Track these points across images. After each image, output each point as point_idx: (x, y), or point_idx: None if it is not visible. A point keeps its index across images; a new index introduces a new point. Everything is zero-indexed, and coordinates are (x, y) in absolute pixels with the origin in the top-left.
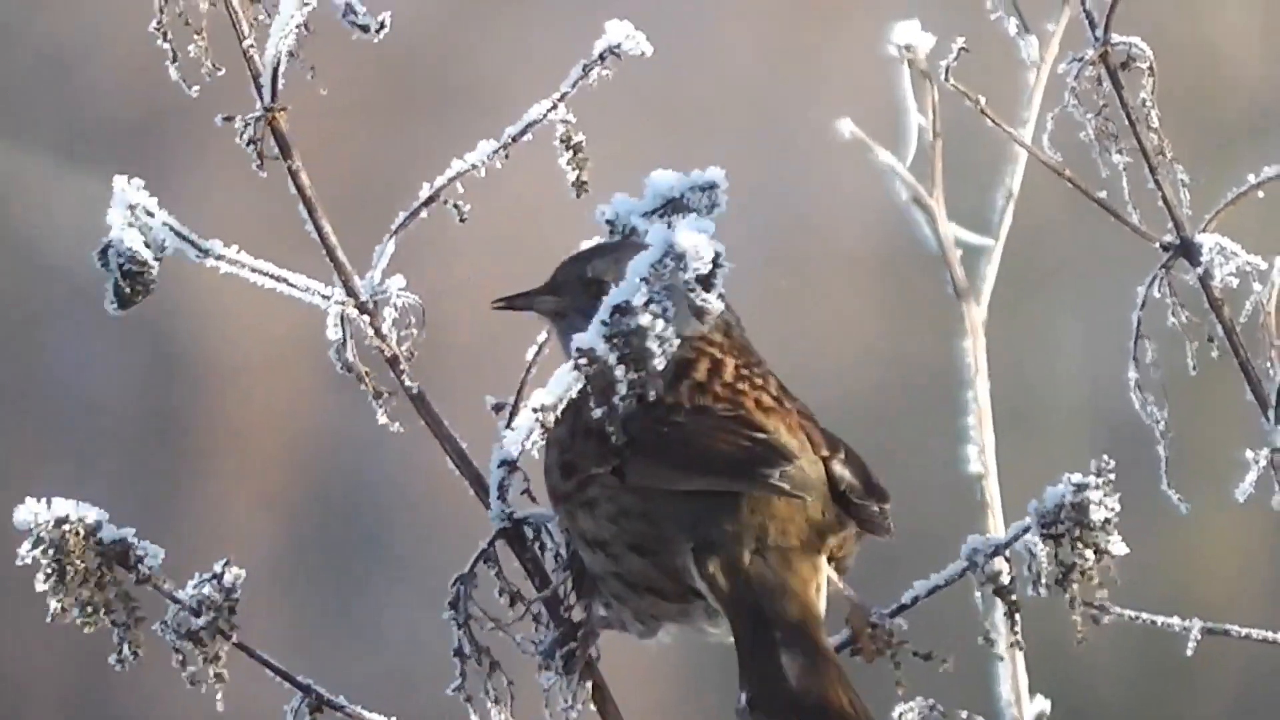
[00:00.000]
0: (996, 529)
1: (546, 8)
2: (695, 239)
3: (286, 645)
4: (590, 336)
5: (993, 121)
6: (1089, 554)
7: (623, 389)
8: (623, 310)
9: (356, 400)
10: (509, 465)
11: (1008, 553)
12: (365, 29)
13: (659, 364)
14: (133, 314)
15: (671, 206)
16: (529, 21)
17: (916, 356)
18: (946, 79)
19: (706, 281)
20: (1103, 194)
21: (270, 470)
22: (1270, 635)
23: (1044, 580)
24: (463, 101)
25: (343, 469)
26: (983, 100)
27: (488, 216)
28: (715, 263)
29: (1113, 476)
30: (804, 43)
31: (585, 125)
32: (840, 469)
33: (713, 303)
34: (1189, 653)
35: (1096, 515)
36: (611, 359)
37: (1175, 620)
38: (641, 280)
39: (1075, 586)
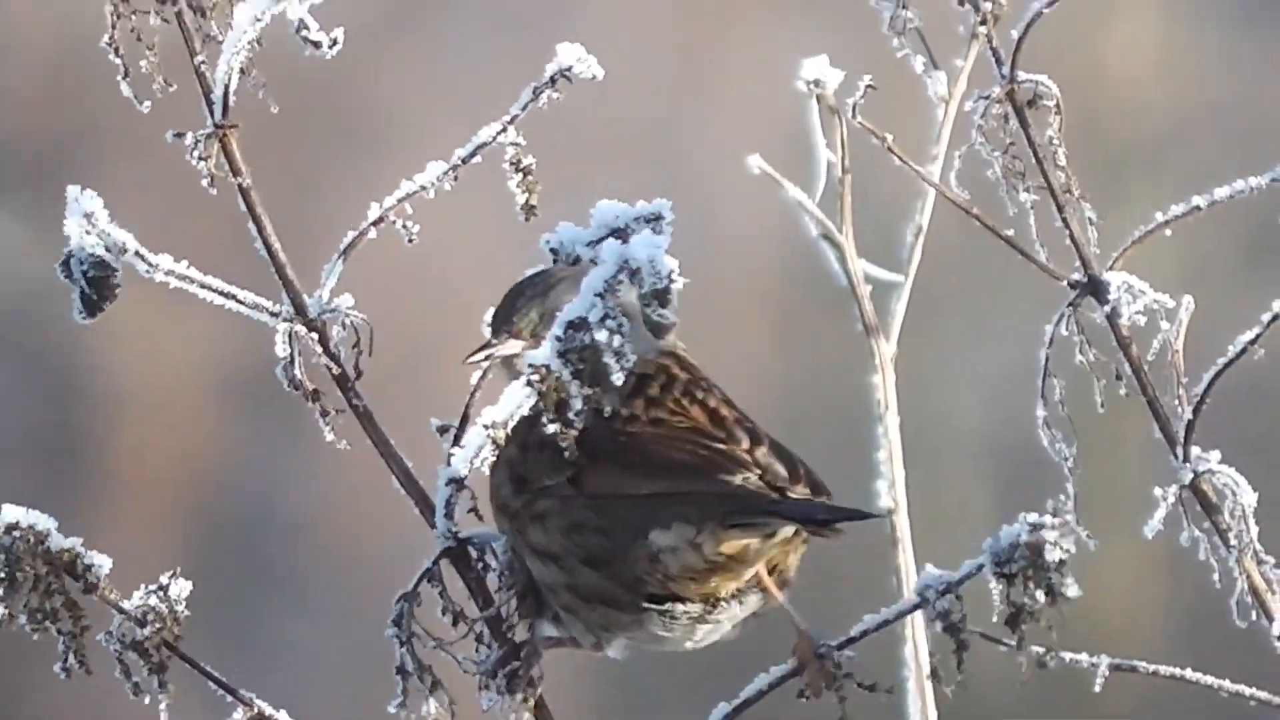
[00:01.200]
0: (906, 564)
1: (464, 33)
2: (651, 253)
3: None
4: (545, 353)
5: (900, 159)
6: (1040, 595)
7: (578, 404)
8: (577, 326)
9: (258, 427)
10: (457, 483)
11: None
12: (318, 45)
13: (616, 379)
14: (31, 339)
15: (616, 236)
16: (460, 45)
17: (825, 391)
18: (854, 115)
19: (663, 296)
20: (1010, 231)
21: (170, 496)
22: (1176, 671)
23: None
24: (394, 124)
25: (243, 495)
26: (890, 138)
27: (432, 237)
28: (669, 278)
29: (1069, 517)
30: (710, 77)
31: (496, 157)
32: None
33: (669, 317)
34: (1097, 688)
35: (1051, 556)
36: (566, 375)
37: (1084, 656)
38: (596, 295)
39: (1024, 628)
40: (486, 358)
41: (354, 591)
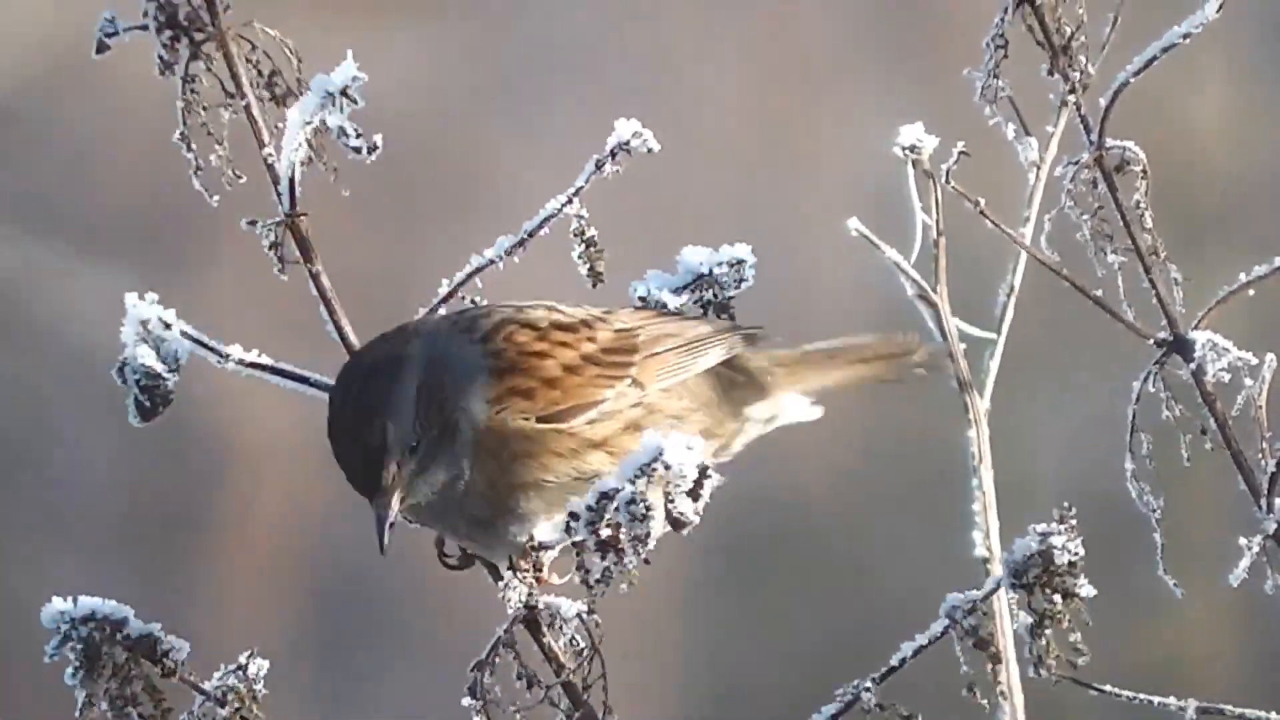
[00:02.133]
0: (1001, 610)
1: (554, 107)
2: (683, 456)
3: None
4: (582, 516)
5: (992, 223)
6: (1057, 598)
7: (596, 574)
8: (609, 497)
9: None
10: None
11: (989, 605)
12: (359, 151)
13: (630, 561)
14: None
15: (701, 282)
16: (536, 120)
17: (922, 446)
18: (948, 181)
19: (693, 495)
20: (1099, 292)
21: (280, 558)
22: (1263, 714)
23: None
24: (475, 198)
25: (351, 558)
26: (983, 202)
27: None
28: (703, 475)
29: (1074, 523)
30: (798, 144)
31: (591, 218)
32: None
33: (690, 516)
34: None
35: (1061, 559)
36: (590, 544)
37: (1172, 700)
38: (629, 479)
39: (1049, 633)
40: (387, 534)
41: (452, 640)
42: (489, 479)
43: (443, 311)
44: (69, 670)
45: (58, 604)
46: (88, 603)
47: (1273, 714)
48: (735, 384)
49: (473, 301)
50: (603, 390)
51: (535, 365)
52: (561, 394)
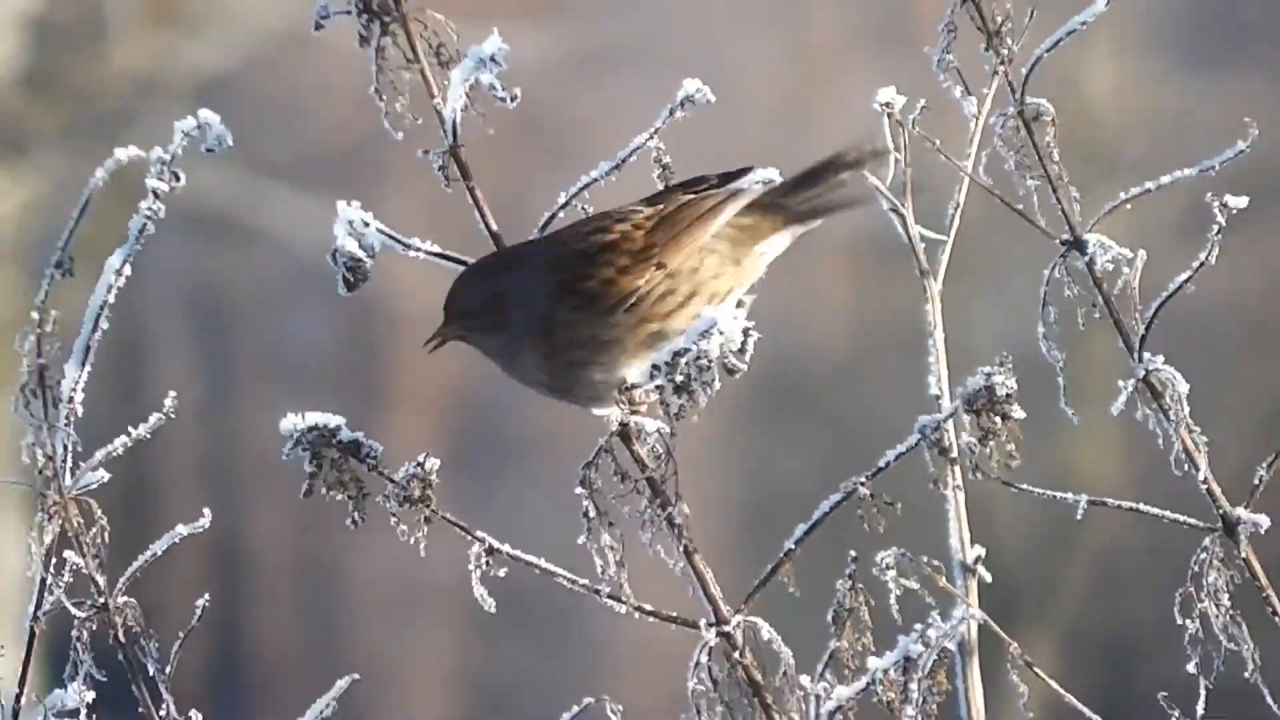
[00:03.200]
0: (956, 430)
1: (632, 77)
2: (732, 325)
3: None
4: (662, 368)
5: (945, 157)
6: (998, 420)
7: (675, 409)
8: (679, 354)
9: None
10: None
11: (948, 425)
12: (503, 100)
13: (700, 399)
14: (331, 286)
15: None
16: (620, 86)
17: (893, 316)
18: (914, 127)
19: (740, 352)
20: (1021, 206)
21: (434, 397)
22: (1138, 505)
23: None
24: (579, 140)
25: (487, 401)
26: (939, 142)
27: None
28: (746, 336)
29: (1010, 366)
30: (818, 103)
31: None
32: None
33: (739, 365)
34: (1079, 516)
35: (1001, 391)
36: (669, 387)
37: (1069, 495)
38: (692, 341)
39: (991, 444)
40: (440, 342)
41: (562, 455)
42: (543, 355)
43: (554, 224)
44: (305, 465)
45: (290, 419)
46: (312, 415)
47: (1140, 504)
48: (743, 229)
49: (582, 209)
50: (635, 281)
51: (586, 286)
52: (606, 294)
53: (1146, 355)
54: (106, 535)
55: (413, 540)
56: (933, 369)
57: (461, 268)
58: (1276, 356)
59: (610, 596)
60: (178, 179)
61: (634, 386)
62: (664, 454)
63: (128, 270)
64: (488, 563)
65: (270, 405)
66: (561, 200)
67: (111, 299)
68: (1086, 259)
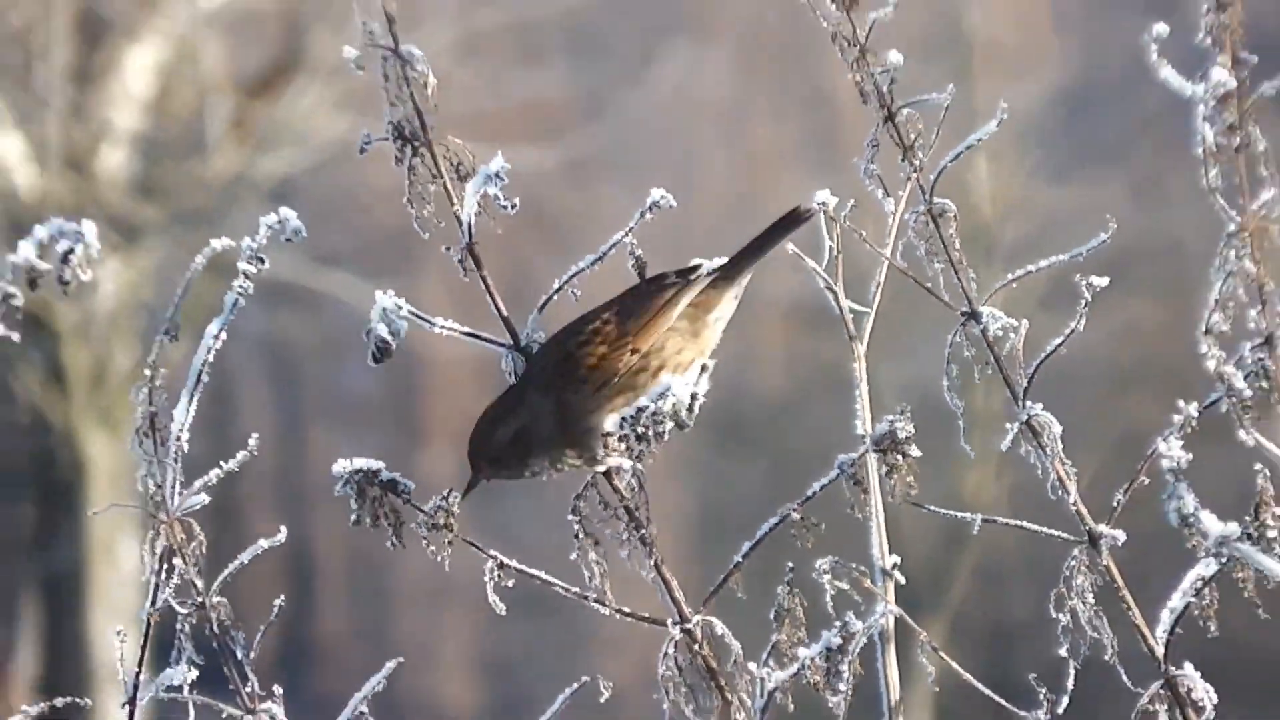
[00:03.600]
0: (870, 466)
1: (615, 184)
2: (682, 389)
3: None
4: (628, 420)
5: (869, 245)
6: (899, 457)
7: (635, 451)
8: (641, 410)
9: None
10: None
11: (862, 460)
12: (506, 208)
13: (653, 445)
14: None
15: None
16: (603, 189)
17: (824, 370)
18: (844, 222)
19: (689, 410)
20: (929, 285)
21: (461, 433)
22: (1022, 523)
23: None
24: (572, 236)
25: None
26: (864, 232)
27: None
28: (694, 399)
29: (909, 414)
30: (762, 204)
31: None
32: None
33: (686, 422)
34: (975, 531)
35: (901, 434)
36: (632, 435)
37: (967, 515)
38: (653, 401)
39: (896, 477)
40: (470, 489)
41: (563, 495)
42: (569, 443)
43: (550, 305)
44: (350, 500)
45: (341, 462)
46: (358, 461)
47: (1024, 522)
48: (697, 306)
49: (572, 293)
50: (616, 364)
51: (578, 374)
52: (594, 378)
53: (1028, 403)
54: (204, 547)
55: (439, 559)
56: (858, 414)
57: (474, 339)
58: (1124, 397)
59: (596, 601)
60: (262, 263)
61: (609, 434)
62: (637, 488)
63: (223, 336)
64: (499, 575)
65: (330, 439)
66: (555, 285)
67: (211, 358)
68: (981, 327)
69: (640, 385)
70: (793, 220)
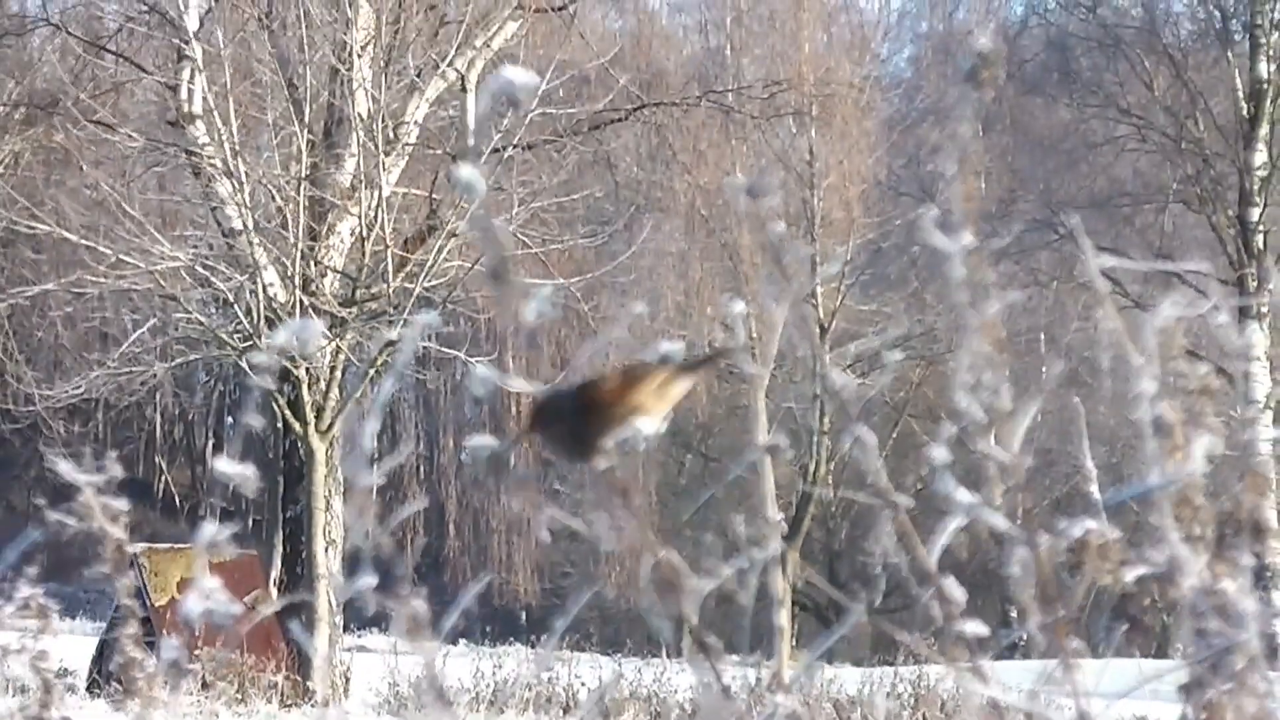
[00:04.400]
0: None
1: (613, 296)
2: (649, 428)
3: None
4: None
5: (761, 335)
6: (776, 456)
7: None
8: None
9: None
10: None
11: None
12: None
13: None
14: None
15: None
16: (603, 303)
17: (737, 404)
18: (752, 322)
19: (650, 435)
20: (800, 356)
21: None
22: (855, 496)
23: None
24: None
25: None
26: (756, 329)
27: None
28: (652, 432)
29: (784, 434)
30: (695, 309)
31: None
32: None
33: (650, 440)
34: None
35: (780, 444)
36: (616, 448)
37: (815, 487)
38: (632, 429)
39: (777, 465)
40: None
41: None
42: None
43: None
44: (479, 467)
45: (472, 440)
46: (483, 439)
47: (858, 495)
48: (665, 382)
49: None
50: (616, 407)
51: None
52: (599, 413)
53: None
54: (378, 506)
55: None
56: (758, 428)
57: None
58: (904, 422)
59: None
60: (416, 346)
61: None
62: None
63: (393, 386)
64: (548, 519)
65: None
66: (582, 358)
67: (386, 398)
68: (828, 382)
69: (626, 419)
70: (725, 354)
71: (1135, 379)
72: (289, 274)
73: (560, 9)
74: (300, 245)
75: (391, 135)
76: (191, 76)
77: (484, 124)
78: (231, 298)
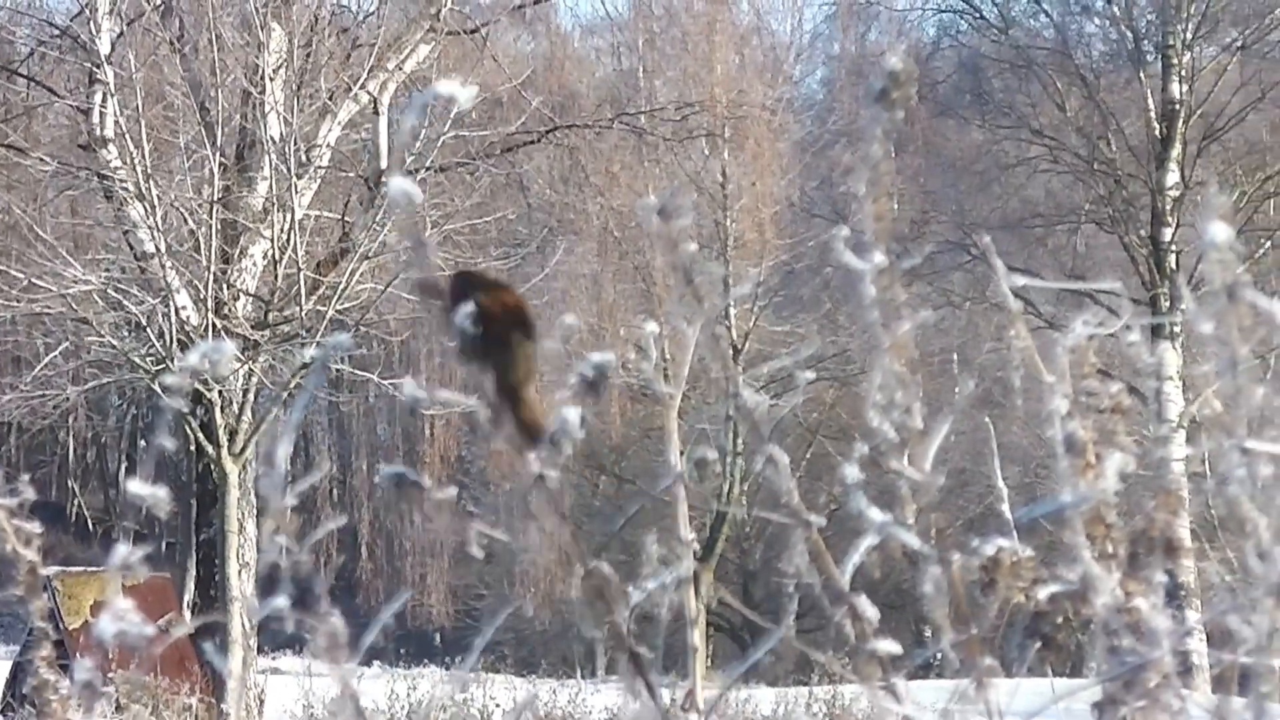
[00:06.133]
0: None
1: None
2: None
3: None
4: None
5: (673, 356)
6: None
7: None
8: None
9: None
10: None
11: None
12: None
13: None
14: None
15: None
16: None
17: (654, 424)
18: (663, 341)
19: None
20: (714, 376)
21: (450, 469)
22: (768, 515)
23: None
24: None
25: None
26: (668, 348)
27: None
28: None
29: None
30: (608, 330)
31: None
32: None
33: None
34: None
35: (712, 458)
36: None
37: (729, 508)
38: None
39: (699, 483)
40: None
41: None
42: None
43: None
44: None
45: (384, 468)
46: (393, 468)
47: (773, 514)
48: None
49: None
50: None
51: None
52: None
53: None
54: (293, 527)
55: (435, 527)
56: (671, 449)
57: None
58: (812, 440)
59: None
60: (328, 369)
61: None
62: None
63: (306, 408)
64: (476, 535)
65: (366, 465)
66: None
67: (299, 419)
68: (740, 400)
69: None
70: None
71: (1047, 398)
72: (201, 297)
73: (473, 32)
74: (213, 268)
75: (304, 158)
76: (104, 100)
77: (403, 145)
78: (144, 321)
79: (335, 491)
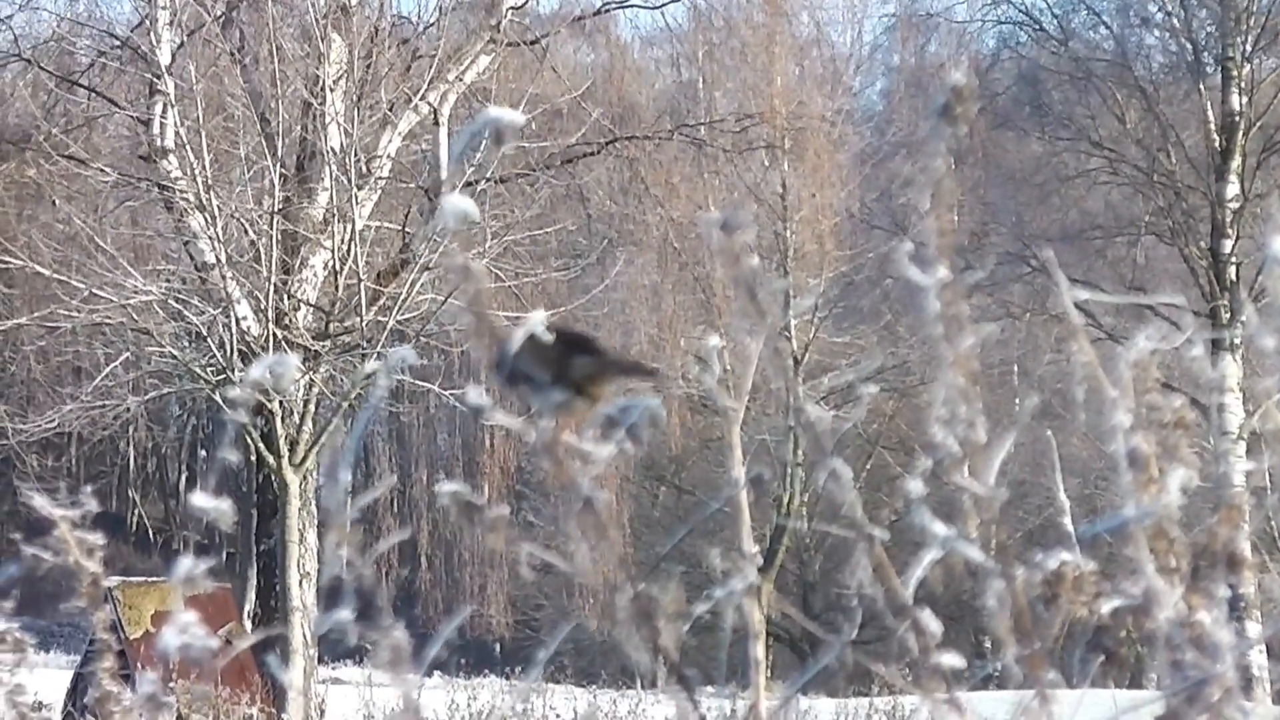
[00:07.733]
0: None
1: (595, 326)
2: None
3: None
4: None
5: (736, 371)
6: (757, 490)
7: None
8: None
9: None
10: None
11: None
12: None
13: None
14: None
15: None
16: (594, 329)
17: (714, 435)
18: (725, 356)
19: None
20: (774, 389)
21: (508, 477)
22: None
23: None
24: None
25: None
26: (729, 362)
27: None
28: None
29: (767, 465)
30: (669, 340)
31: None
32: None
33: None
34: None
35: (766, 476)
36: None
37: (789, 519)
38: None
39: (757, 499)
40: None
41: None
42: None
43: None
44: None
45: (443, 484)
46: (451, 485)
47: (832, 527)
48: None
49: None
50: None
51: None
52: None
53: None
54: (356, 538)
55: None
56: (734, 462)
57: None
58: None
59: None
60: (390, 379)
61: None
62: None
63: (370, 419)
64: (526, 556)
65: (426, 478)
66: None
67: (364, 431)
68: (802, 415)
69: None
70: (653, 373)
71: (1109, 411)
72: (262, 308)
73: (532, 43)
74: (273, 279)
75: (364, 169)
76: (164, 111)
77: (461, 160)
78: (205, 331)
79: (395, 502)
